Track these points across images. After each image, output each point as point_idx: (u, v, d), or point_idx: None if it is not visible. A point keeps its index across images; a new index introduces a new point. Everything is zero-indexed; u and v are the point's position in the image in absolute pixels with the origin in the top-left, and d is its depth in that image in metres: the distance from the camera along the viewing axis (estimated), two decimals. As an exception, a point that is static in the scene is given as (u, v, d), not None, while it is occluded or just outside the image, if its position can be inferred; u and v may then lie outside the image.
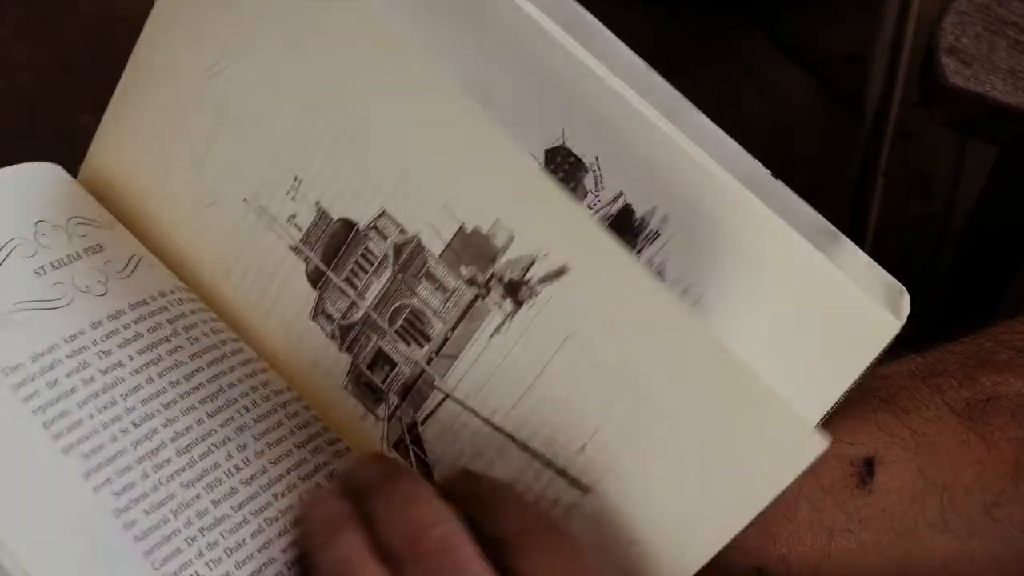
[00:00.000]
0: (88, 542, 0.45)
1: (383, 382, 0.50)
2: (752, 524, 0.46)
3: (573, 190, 0.52)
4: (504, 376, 0.48)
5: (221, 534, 0.46)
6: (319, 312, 0.51)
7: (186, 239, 0.53)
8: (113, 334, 0.49)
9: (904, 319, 0.50)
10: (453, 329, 0.49)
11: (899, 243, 0.52)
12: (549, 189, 0.46)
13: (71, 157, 0.55)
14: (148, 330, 0.50)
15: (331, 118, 0.49)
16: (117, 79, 0.53)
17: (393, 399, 0.50)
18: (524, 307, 0.47)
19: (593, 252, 0.46)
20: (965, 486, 0.51)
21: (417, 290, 0.49)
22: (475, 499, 0.46)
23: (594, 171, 0.52)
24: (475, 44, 0.51)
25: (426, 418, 0.50)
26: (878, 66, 1.02)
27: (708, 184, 0.50)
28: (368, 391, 0.51)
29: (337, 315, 0.50)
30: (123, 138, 0.53)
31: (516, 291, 0.48)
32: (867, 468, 0.51)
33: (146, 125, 0.53)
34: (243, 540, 0.47)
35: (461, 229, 0.48)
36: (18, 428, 0.46)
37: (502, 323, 0.48)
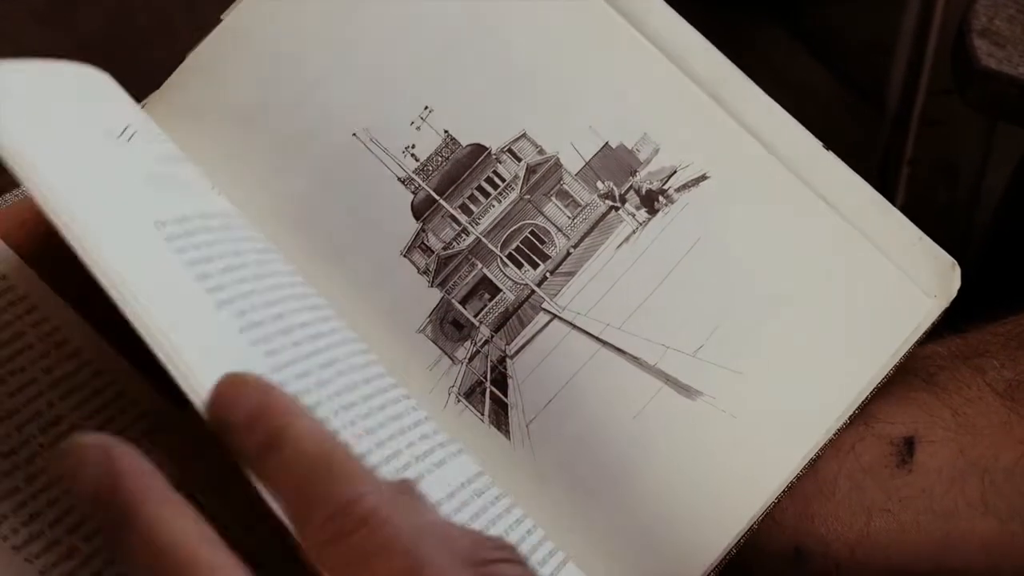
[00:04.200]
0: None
1: (476, 315, 0.51)
2: (826, 447, 0.50)
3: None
4: (623, 288, 0.51)
5: (356, 416, 0.45)
6: (415, 246, 0.52)
7: (270, 173, 0.52)
8: (229, 228, 0.48)
9: (955, 292, 0.50)
10: (577, 245, 0.52)
11: (925, 231, 0.52)
12: (702, 102, 0.52)
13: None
14: (257, 235, 0.49)
15: (475, 44, 0.52)
16: (137, 64, 0.53)
17: (483, 333, 0.51)
18: (658, 215, 0.52)
19: (738, 158, 0.52)
20: (1006, 467, 0.50)
21: (544, 209, 0.52)
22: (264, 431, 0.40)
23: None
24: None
25: (519, 349, 0.51)
26: (901, 53, 1.01)
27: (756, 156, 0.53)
28: (453, 329, 0.51)
29: (439, 246, 0.52)
30: (238, 46, 0.53)
31: (652, 201, 0.52)
32: (907, 448, 0.51)
33: (269, 38, 0.53)
34: (380, 421, 0.46)
35: (605, 146, 0.52)
36: (178, 276, 0.44)
37: (632, 233, 0.52)
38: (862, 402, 0.50)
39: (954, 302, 0.52)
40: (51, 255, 0.49)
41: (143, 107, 0.53)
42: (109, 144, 0.46)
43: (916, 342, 0.51)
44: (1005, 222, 0.89)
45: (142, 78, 0.54)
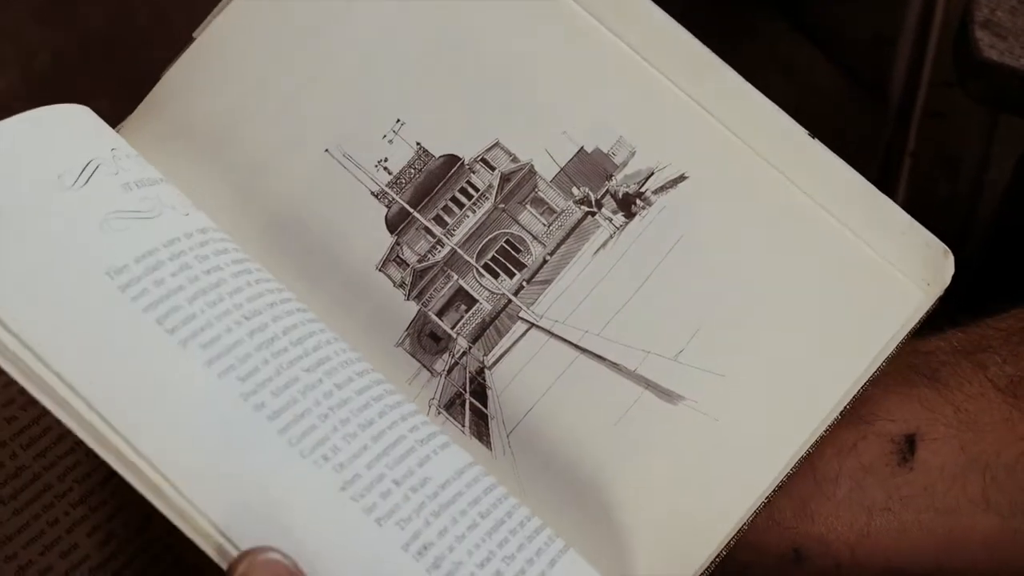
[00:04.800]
0: (221, 427, 0.44)
1: (453, 327, 0.51)
2: (821, 440, 0.49)
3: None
4: (601, 294, 0.51)
5: (351, 412, 0.46)
6: (390, 259, 0.52)
7: (243, 191, 0.52)
8: (206, 244, 0.48)
9: (948, 280, 0.50)
10: (553, 252, 0.51)
11: (926, 224, 0.51)
12: (679, 101, 0.52)
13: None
14: (234, 248, 0.49)
15: (446, 56, 0.52)
16: (137, 63, 0.53)
17: (461, 344, 0.51)
18: (636, 219, 0.51)
19: (716, 156, 0.51)
20: (1008, 464, 0.50)
21: (519, 218, 0.52)
22: None
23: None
24: None
25: (497, 360, 0.51)
26: (904, 45, 1.01)
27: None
28: (431, 342, 0.51)
29: (413, 259, 0.52)
30: (211, 64, 0.53)
31: (629, 205, 0.51)
32: (908, 445, 0.51)
33: (243, 55, 0.53)
34: (371, 419, 0.46)
35: (580, 151, 0.52)
36: (132, 326, 0.45)
37: (609, 238, 0.51)
38: (853, 397, 0.50)
39: (955, 296, 0.51)
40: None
41: (119, 130, 0.53)
42: (56, 196, 0.47)
43: (910, 333, 0.50)
44: (1007, 215, 0.89)
45: (142, 77, 0.54)
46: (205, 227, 0.49)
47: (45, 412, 0.50)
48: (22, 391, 0.49)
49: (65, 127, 0.50)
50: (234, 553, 0.42)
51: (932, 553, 0.50)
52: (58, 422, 0.49)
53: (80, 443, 0.50)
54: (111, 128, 0.52)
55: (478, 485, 0.47)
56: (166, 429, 0.44)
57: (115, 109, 0.54)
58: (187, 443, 0.44)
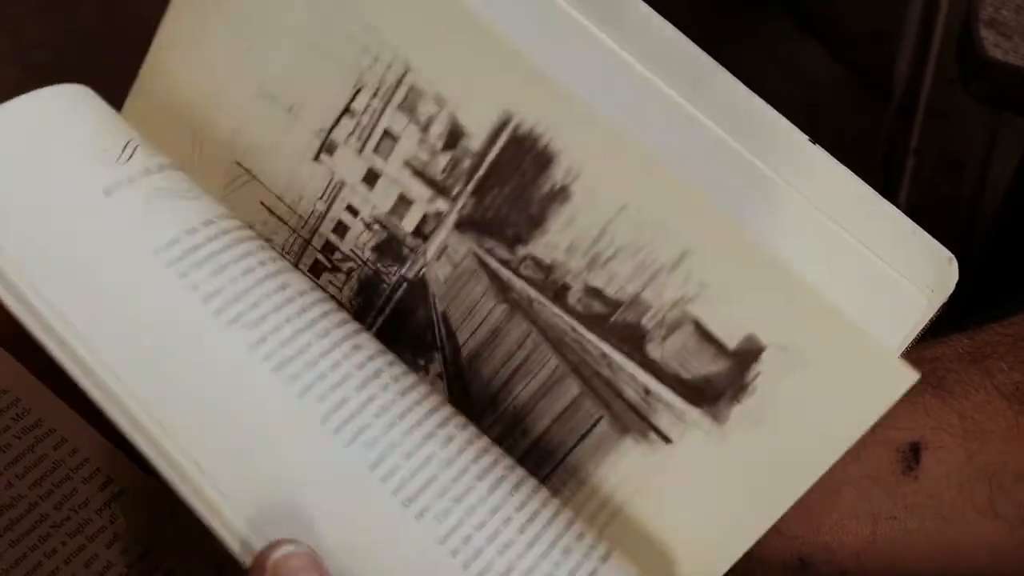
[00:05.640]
0: (258, 415, 0.43)
1: None
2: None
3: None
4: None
5: (395, 400, 0.45)
6: None
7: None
8: (236, 228, 0.47)
9: (952, 287, 0.49)
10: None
11: (929, 223, 0.51)
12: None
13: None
14: (251, 237, 0.48)
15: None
16: (138, 57, 0.52)
17: None
18: None
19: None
20: (1015, 473, 0.49)
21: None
22: None
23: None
24: None
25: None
26: (907, 42, 1.01)
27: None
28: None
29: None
30: (149, 124, 0.52)
31: None
32: (913, 454, 0.50)
33: (175, 106, 0.52)
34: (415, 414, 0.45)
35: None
36: (176, 307, 0.44)
37: None
38: None
39: (958, 297, 0.51)
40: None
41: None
42: (107, 171, 0.46)
43: (915, 340, 0.50)
44: (1010, 215, 0.89)
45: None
46: (226, 212, 0.48)
47: (40, 440, 0.49)
48: (15, 418, 0.49)
49: (94, 103, 0.49)
50: (258, 547, 0.42)
51: (938, 562, 0.50)
52: (54, 448, 0.49)
53: (76, 469, 0.49)
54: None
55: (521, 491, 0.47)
56: (204, 416, 0.43)
57: (116, 105, 0.53)
58: (222, 430, 0.43)
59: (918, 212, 0.52)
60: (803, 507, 0.49)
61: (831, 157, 0.51)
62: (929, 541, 0.50)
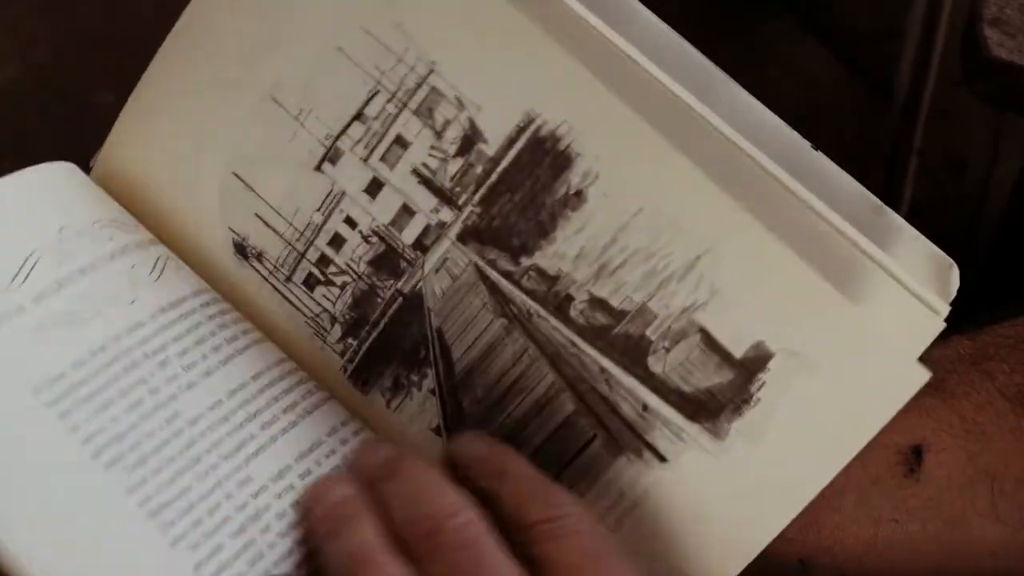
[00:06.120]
0: (128, 565, 0.43)
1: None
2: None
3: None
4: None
5: (274, 544, 0.45)
6: None
7: (208, 231, 0.51)
8: (138, 344, 0.47)
9: (953, 293, 0.49)
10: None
11: (933, 224, 0.51)
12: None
13: (86, 135, 0.54)
14: (187, 331, 0.48)
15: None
16: (138, 56, 0.52)
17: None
18: None
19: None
20: (1017, 475, 0.49)
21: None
22: (487, 470, 0.45)
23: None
24: None
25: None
26: (909, 41, 1.00)
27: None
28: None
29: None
30: (150, 126, 0.52)
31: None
32: (915, 456, 0.50)
33: (178, 112, 0.51)
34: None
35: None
36: (55, 444, 0.44)
37: None
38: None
39: (961, 299, 0.51)
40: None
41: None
42: None
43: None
44: (1015, 215, 0.88)
45: (144, 70, 0.54)
46: (144, 320, 0.48)
47: None
48: None
49: (35, 197, 0.49)
50: None
51: (939, 564, 0.50)
52: None
53: None
54: (87, 178, 0.51)
55: None
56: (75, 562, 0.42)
57: (120, 104, 0.53)
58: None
59: (922, 213, 0.52)
60: (804, 510, 0.49)
61: (834, 164, 0.51)
62: (930, 543, 0.49)
